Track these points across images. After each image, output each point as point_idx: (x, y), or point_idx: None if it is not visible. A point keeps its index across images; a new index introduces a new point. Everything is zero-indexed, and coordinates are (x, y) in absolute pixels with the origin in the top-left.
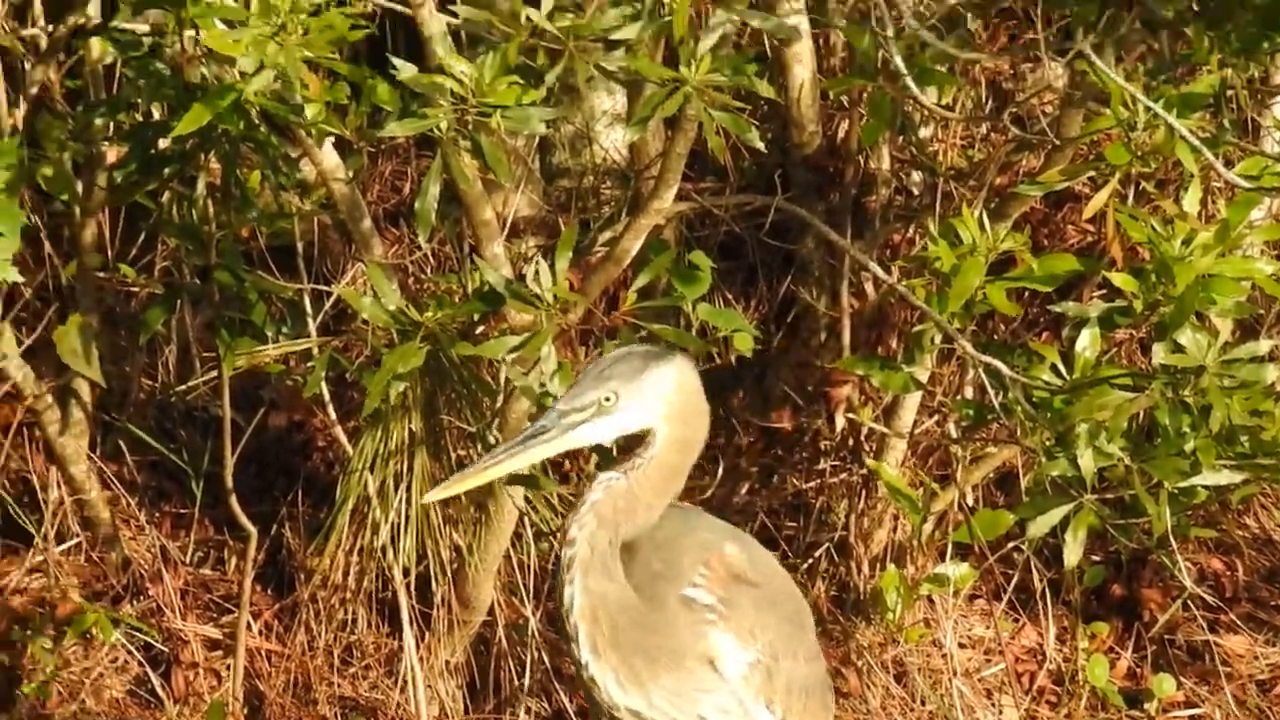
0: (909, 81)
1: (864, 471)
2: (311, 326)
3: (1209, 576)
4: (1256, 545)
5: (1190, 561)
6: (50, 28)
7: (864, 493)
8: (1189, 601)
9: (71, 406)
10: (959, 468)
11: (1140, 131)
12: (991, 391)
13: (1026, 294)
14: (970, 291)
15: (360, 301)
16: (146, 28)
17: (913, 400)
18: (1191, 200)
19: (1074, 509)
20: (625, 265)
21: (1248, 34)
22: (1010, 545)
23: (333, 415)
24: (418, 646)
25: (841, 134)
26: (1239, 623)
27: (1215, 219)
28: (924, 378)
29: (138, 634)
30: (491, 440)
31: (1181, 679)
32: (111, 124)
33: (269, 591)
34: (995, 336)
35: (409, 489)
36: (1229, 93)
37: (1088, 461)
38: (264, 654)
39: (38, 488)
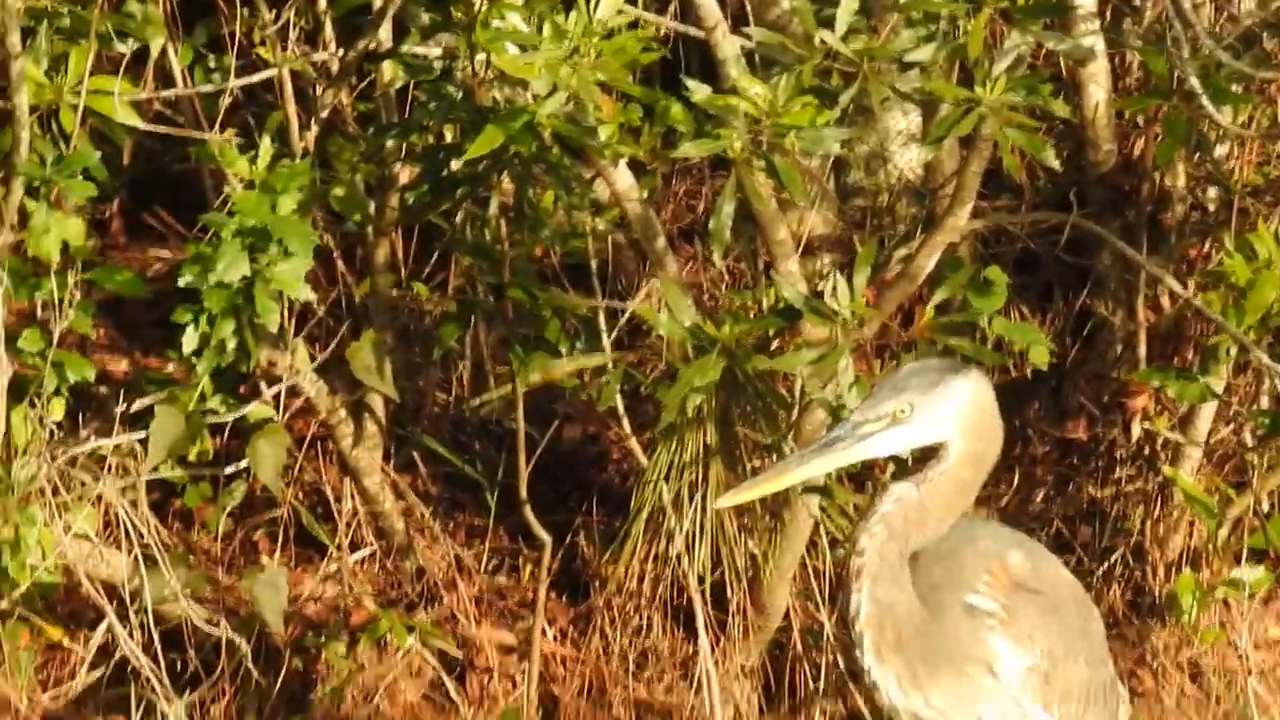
0: (1205, 101)
1: (1159, 479)
2: (606, 342)
3: None
4: None
5: None
6: (341, 52)
7: (1159, 499)
8: None
9: (365, 421)
10: (1255, 475)
11: None
12: None
13: None
14: (1267, 305)
15: (656, 318)
16: (438, 51)
17: (1208, 410)
18: None
19: None
20: (920, 281)
21: None
22: None
23: (627, 428)
24: (713, 651)
25: (1137, 152)
26: None
27: None
28: (1219, 388)
29: (432, 640)
30: (786, 451)
31: None
32: (403, 146)
33: (563, 599)
34: None
35: (704, 498)
36: None
37: None
38: (558, 659)
39: (331, 499)
